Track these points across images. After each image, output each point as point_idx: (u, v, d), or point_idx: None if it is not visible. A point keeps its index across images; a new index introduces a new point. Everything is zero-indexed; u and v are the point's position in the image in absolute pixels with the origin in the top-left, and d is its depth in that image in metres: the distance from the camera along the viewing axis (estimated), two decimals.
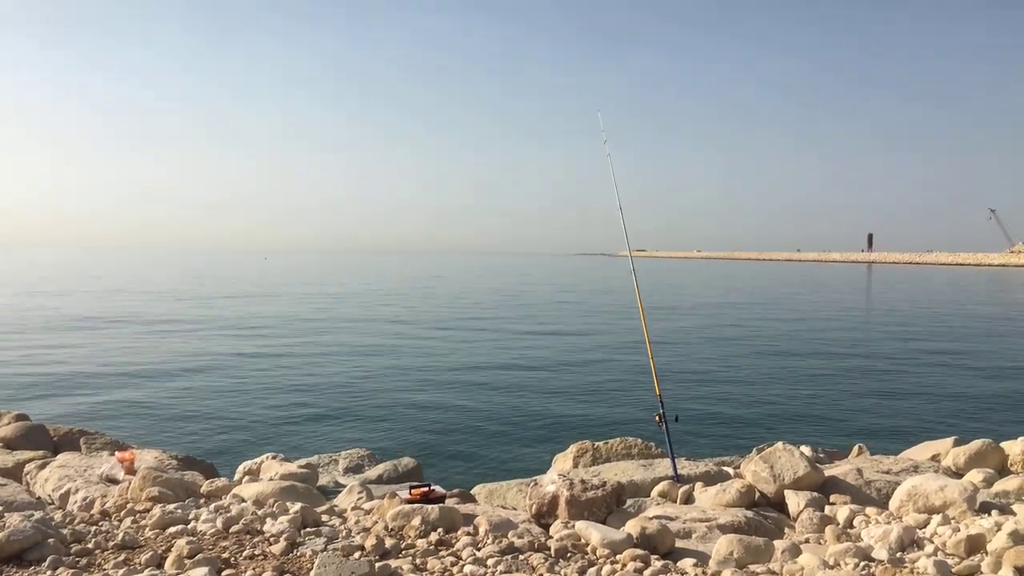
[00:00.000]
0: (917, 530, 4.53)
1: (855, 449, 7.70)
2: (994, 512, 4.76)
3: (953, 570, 3.87)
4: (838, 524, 4.88)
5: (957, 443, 6.77)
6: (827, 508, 5.27)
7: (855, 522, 4.91)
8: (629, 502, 5.51)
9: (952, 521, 4.65)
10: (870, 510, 5.09)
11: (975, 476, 5.91)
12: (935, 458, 6.72)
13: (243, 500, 5.47)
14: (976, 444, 6.44)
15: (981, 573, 3.84)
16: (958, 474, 6.17)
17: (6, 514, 5.20)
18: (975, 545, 4.18)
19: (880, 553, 4.11)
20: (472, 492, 6.46)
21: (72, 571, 3.98)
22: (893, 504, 5.17)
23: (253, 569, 4.03)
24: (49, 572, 4.00)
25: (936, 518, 4.68)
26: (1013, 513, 4.76)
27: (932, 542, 4.34)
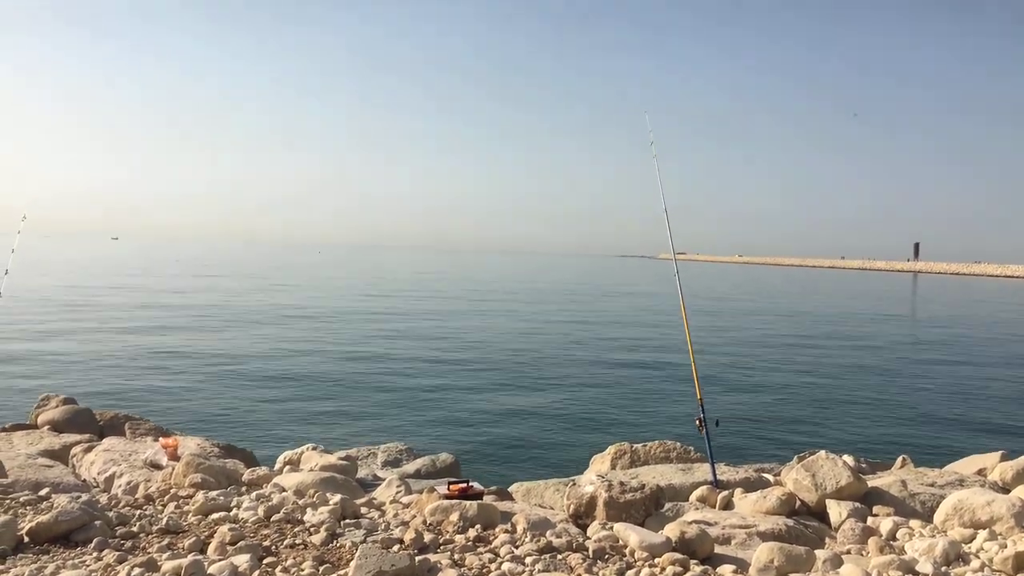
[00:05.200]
0: (963, 545, 4.45)
1: (899, 460, 7.58)
2: None
3: None
4: (881, 536, 4.80)
5: (1004, 458, 6.62)
6: (870, 519, 5.18)
7: (899, 535, 4.83)
8: (667, 506, 5.47)
9: (999, 537, 4.55)
10: (914, 523, 5.01)
11: (1023, 492, 5.78)
12: (981, 472, 6.58)
13: (284, 490, 5.53)
14: None
15: None
16: (1005, 489, 6.03)
17: (53, 495, 5.31)
18: (1023, 562, 4.08)
19: (925, 567, 4.04)
20: (509, 490, 6.47)
21: (118, 553, 4.05)
22: (938, 518, 5.07)
23: (294, 558, 4.07)
24: (95, 553, 4.08)
25: (983, 533, 4.59)
26: None
27: (978, 557, 4.25)
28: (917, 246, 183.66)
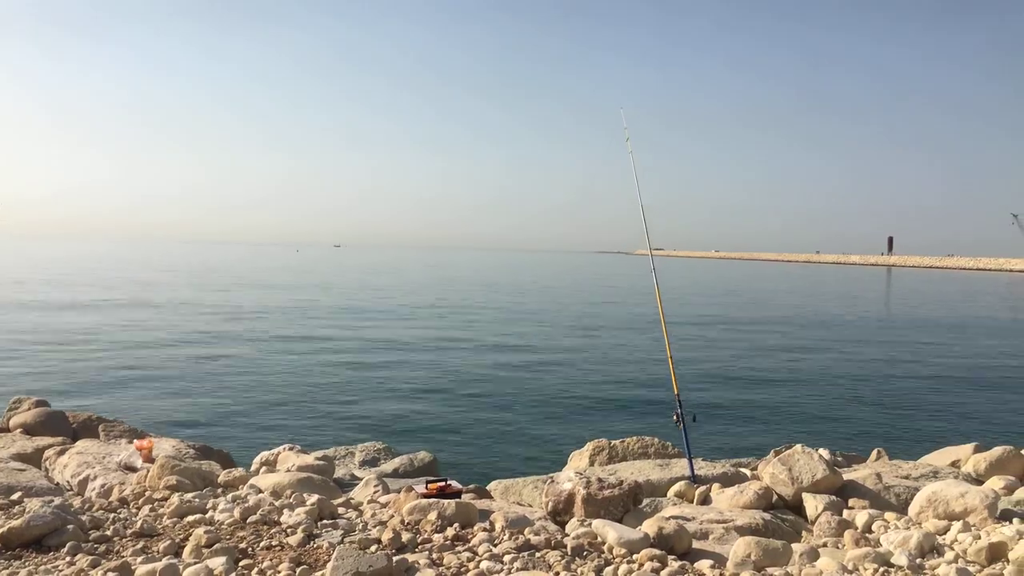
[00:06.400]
0: (937, 537, 4.48)
1: (874, 453, 7.64)
2: (1016, 520, 4.70)
3: None
4: (856, 528, 4.84)
5: (977, 449, 6.69)
6: (845, 512, 5.22)
7: (874, 527, 4.86)
8: (645, 502, 5.47)
9: (973, 528, 4.59)
10: (889, 515, 5.05)
11: (996, 483, 5.84)
12: (955, 464, 6.65)
13: (260, 491, 5.49)
14: (997, 451, 6.37)
15: None
16: (978, 481, 6.10)
17: (25, 499, 5.24)
18: (996, 553, 4.13)
19: (900, 559, 4.07)
20: (488, 488, 6.46)
21: (91, 557, 4.00)
22: (912, 510, 5.12)
23: (270, 560, 4.04)
24: (68, 558, 4.02)
25: (956, 525, 4.63)
26: None
27: (952, 549, 4.29)
28: (891, 240, 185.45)
